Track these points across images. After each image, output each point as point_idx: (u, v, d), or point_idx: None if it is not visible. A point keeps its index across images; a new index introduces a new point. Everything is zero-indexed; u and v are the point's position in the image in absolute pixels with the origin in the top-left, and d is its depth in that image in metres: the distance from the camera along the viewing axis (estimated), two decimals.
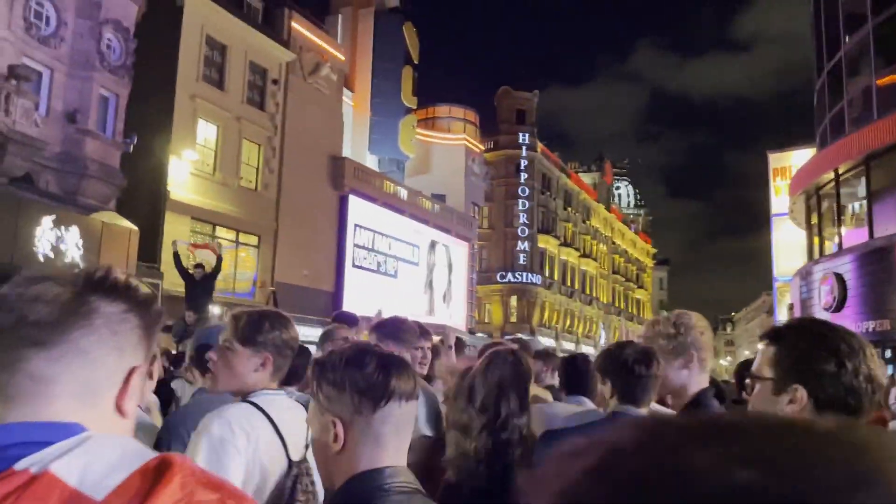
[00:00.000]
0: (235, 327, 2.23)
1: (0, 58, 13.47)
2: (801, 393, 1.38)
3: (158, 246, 19.78)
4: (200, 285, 9.30)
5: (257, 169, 24.45)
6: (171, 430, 2.61)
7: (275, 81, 25.21)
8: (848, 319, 16.55)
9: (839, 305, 17.08)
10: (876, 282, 15.88)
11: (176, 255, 9.84)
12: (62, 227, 14.86)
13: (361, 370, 1.37)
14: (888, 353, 15.82)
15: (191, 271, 9.55)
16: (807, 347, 1.41)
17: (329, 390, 1.37)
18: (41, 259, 14.26)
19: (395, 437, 1.38)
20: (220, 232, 22.84)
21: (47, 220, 14.47)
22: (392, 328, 3.44)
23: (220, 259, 10.05)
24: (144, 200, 19.63)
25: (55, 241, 14.66)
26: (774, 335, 1.50)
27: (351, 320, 4.37)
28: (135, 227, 16.93)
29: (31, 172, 14.32)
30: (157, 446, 2.44)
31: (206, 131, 22.43)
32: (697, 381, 2.32)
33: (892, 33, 16.60)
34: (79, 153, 15.46)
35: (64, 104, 15.34)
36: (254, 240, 24.27)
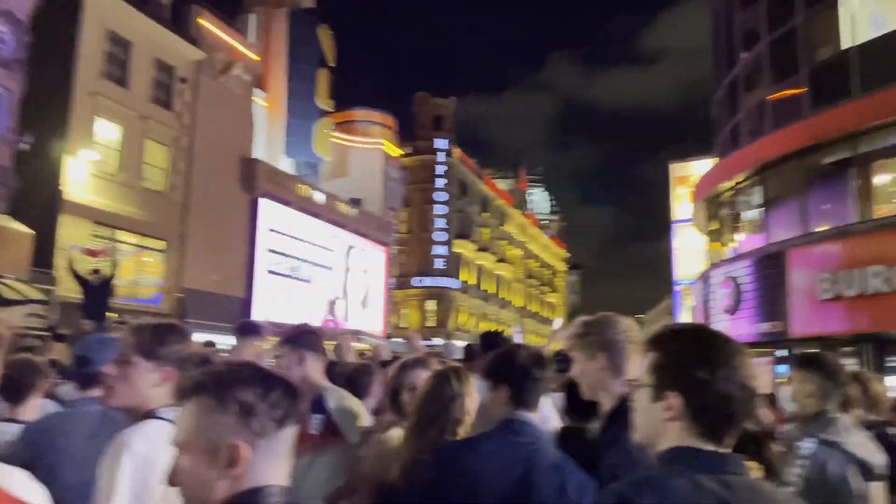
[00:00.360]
0: (137, 339, 2.12)
1: None
2: (676, 400, 1.38)
3: (54, 251, 18.70)
4: (98, 292, 8.82)
5: (164, 170, 23.50)
6: (12, 452, 2.39)
7: (183, 80, 24.32)
8: (744, 321, 17.49)
9: (736, 308, 18.02)
10: (770, 285, 16.84)
11: (70, 262, 9.30)
12: None
13: (268, 391, 1.31)
14: (782, 353, 16.82)
15: (87, 277, 9.05)
16: (682, 354, 1.42)
17: (227, 412, 1.28)
18: None
19: (286, 459, 1.34)
20: (123, 236, 21.81)
21: None
22: (309, 339, 3.36)
23: (115, 265, 9.59)
24: (40, 203, 18.49)
25: None
26: (655, 340, 1.49)
27: (254, 330, 4.23)
28: (29, 231, 15.94)
29: None
30: None
31: (108, 130, 21.37)
32: (619, 384, 2.22)
33: (785, 50, 17.70)
34: None
35: None
36: (160, 244, 23.29)
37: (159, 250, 23.29)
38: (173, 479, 1.32)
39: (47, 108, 18.89)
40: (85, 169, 20.03)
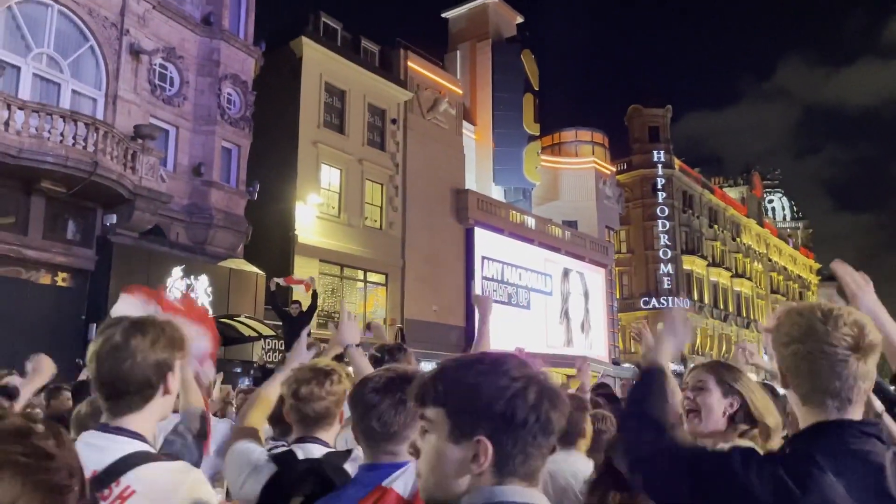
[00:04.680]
0: None
1: (128, 119, 14.39)
2: None
3: (289, 290, 20.32)
4: (297, 323, 9.07)
5: (381, 208, 24.71)
6: None
7: (394, 121, 25.54)
8: None
9: None
10: None
11: (272, 294, 9.72)
12: (192, 276, 15.51)
13: None
14: None
15: (287, 309, 9.39)
16: None
17: None
18: None
19: None
20: (348, 272, 23.20)
21: (177, 271, 15.15)
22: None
23: (315, 295, 9.83)
24: (273, 245, 20.28)
25: (185, 289, 15.29)
26: None
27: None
28: (261, 272, 17.38)
29: (160, 225, 15.06)
30: None
31: (330, 175, 22.99)
32: None
33: None
34: (205, 204, 16.16)
35: (189, 158, 16.15)
36: (381, 278, 24.40)
37: (381, 284, 24.42)
38: None
39: (276, 159, 20.78)
40: (311, 212, 21.64)
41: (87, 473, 1.33)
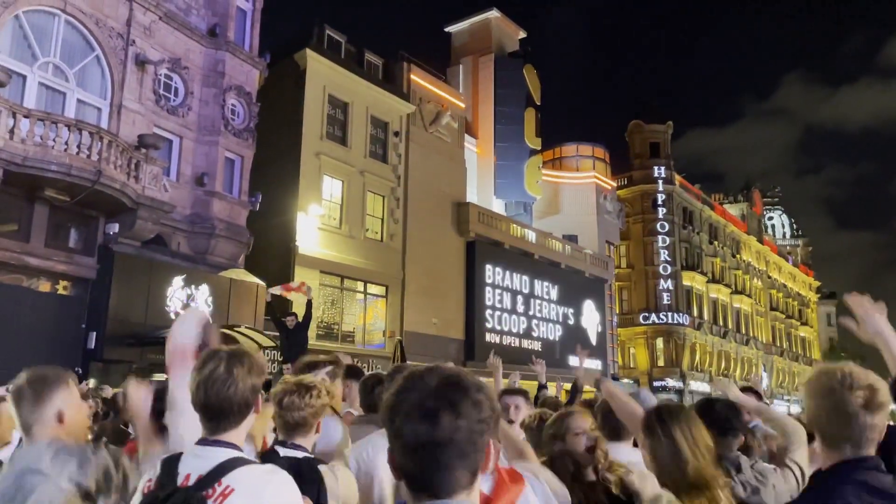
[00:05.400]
0: None
1: (132, 129, 14.45)
2: None
3: (289, 300, 20.29)
4: (294, 334, 9.06)
5: (382, 220, 24.74)
6: None
7: (396, 133, 25.63)
8: None
9: None
10: None
11: (270, 305, 9.70)
12: (192, 286, 15.51)
13: None
14: None
15: (283, 320, 9.38)
16: None
17: None
18: (173, 317, 14.88)
19: None
20: (348, 284, 23.19)
21: (178, 280, 15.15)
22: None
23: (310, 304, 9.80)
24: (274, 256, 20.29)
25: (186, 299, 15.29)
26: None
27: None
28: (261, 282, 17.38)
29: (162, 235, 15.08)
30: None
31: (332, 186, 23.02)
32: None
33: None
34: (207, 214, 16.18)
35: (192, 168, 16.19)
36: (381, 290, 24.38)
37: (381, 296, 24.39)
38: None
39: (278, 170, 20.83)
40: (312, 223, 21.66)
41: (195, 477, 1.76)
